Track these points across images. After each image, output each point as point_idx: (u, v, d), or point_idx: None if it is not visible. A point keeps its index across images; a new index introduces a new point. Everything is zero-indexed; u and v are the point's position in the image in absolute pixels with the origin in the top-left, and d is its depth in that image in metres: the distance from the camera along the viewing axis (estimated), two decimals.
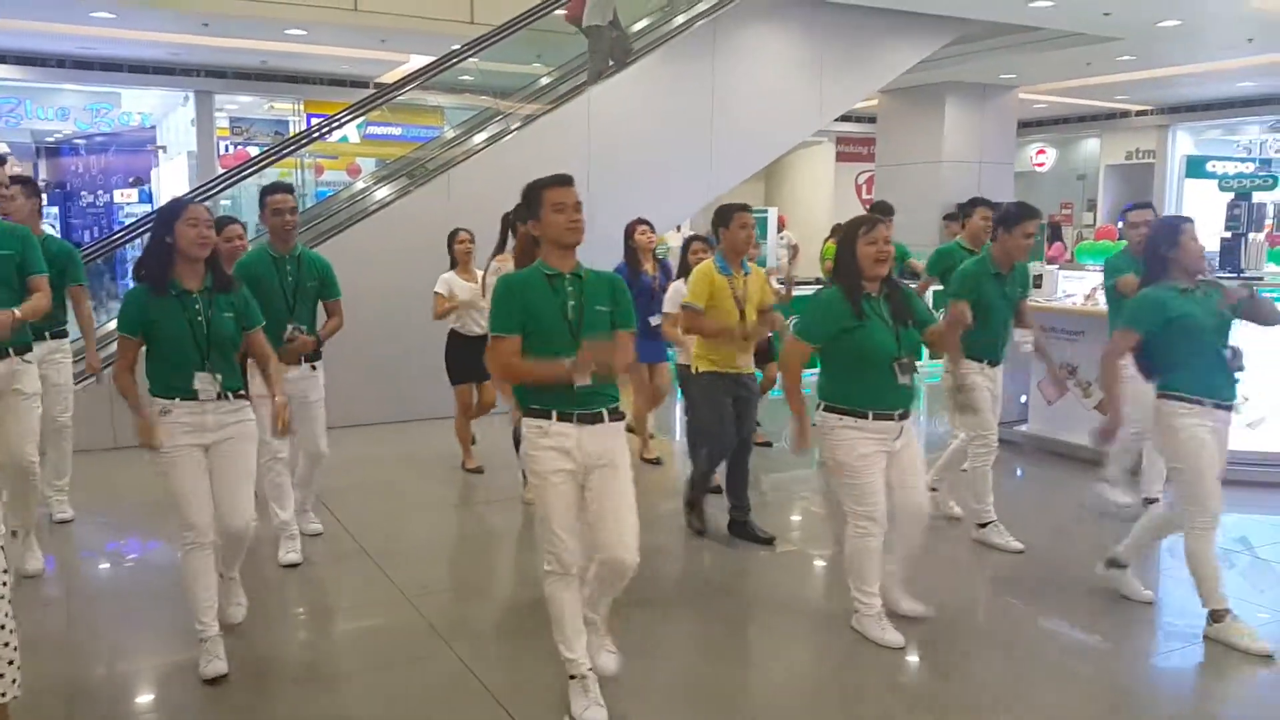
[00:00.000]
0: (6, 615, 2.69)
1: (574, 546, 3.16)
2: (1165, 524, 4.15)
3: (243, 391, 3.61)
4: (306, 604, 4.35)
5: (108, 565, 4.78)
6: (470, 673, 3.55)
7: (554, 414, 3.13)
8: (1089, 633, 4.05)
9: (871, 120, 15.80)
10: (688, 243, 5.97)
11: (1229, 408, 3.88)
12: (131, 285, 3.60)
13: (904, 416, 3.77)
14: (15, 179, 4.82)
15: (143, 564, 4.71)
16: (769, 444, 6.59)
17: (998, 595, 4.54)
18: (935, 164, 13.63)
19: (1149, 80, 14.23)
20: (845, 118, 14.68)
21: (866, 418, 3.69)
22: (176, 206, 3.52)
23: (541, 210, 3.23)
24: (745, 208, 4.92)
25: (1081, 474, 6.28)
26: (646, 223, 6.27)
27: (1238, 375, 3.91)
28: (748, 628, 4.12)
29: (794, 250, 11.33)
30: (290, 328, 4.43)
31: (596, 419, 3.16)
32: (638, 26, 9.45)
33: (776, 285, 5.58)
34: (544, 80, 9.27)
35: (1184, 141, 17.56)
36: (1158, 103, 16.99)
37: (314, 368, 4.67)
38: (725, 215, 4.88)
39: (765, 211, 11.90)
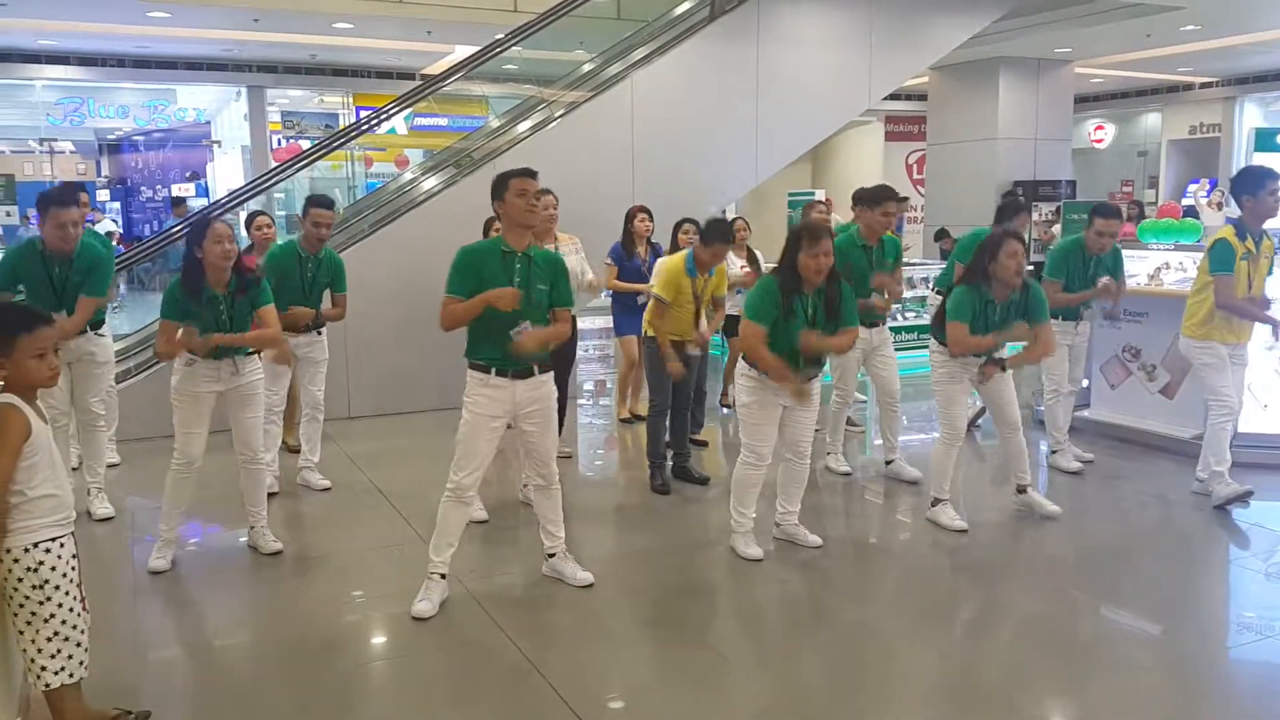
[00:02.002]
0: (77, 599, 2.77)
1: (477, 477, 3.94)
2: None
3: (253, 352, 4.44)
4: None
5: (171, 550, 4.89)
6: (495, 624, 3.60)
7: (493, 369, 3.85)
8: (1154, 623, 3.95)
9: (922, 98, 15.51)
10: (679, 225, 6.63)
11: None
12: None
13: (808, 378, 4.31)
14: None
15: (203, 549, 4.82)
16: (704, 443, 6.63)
17: (1064, 586, 4.44)
18: (990, 141, 13.34)
19: (1214, 50, 13.73)
20: (894, 96, 14.44)
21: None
22: (202, 226, 4.21)
23: (506, 194, 3.87)
24: (728, 238, 5.51)
25: (1147, 459, 6.17)
26: (646, 211, 6.75)
27: None
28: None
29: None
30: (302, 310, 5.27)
31: (528, 374, 3.89)
32: (680, 10, 9.37)
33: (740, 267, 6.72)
34: (586, 67, 9.24)
35: (1252, 113, 16.97)
36: (1223, 74, 16.42)
37: (319, 333, 5.50)
38: (708, 236, 5.41)
39: (812, 194, 11.76)
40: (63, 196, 4.78)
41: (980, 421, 6.83)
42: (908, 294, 9.59)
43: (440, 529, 3.97)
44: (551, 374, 4.04)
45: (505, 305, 3.73)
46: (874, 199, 5.61)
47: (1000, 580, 4.40)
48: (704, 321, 5.66)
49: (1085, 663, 3.55)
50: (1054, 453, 5.93)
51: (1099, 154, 19.07)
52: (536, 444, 4.05)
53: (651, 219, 6.74)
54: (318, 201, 5.33)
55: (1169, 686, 3.45)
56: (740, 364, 4.41)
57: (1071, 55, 13.42)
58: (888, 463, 5.81)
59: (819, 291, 4.26)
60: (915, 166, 18.04)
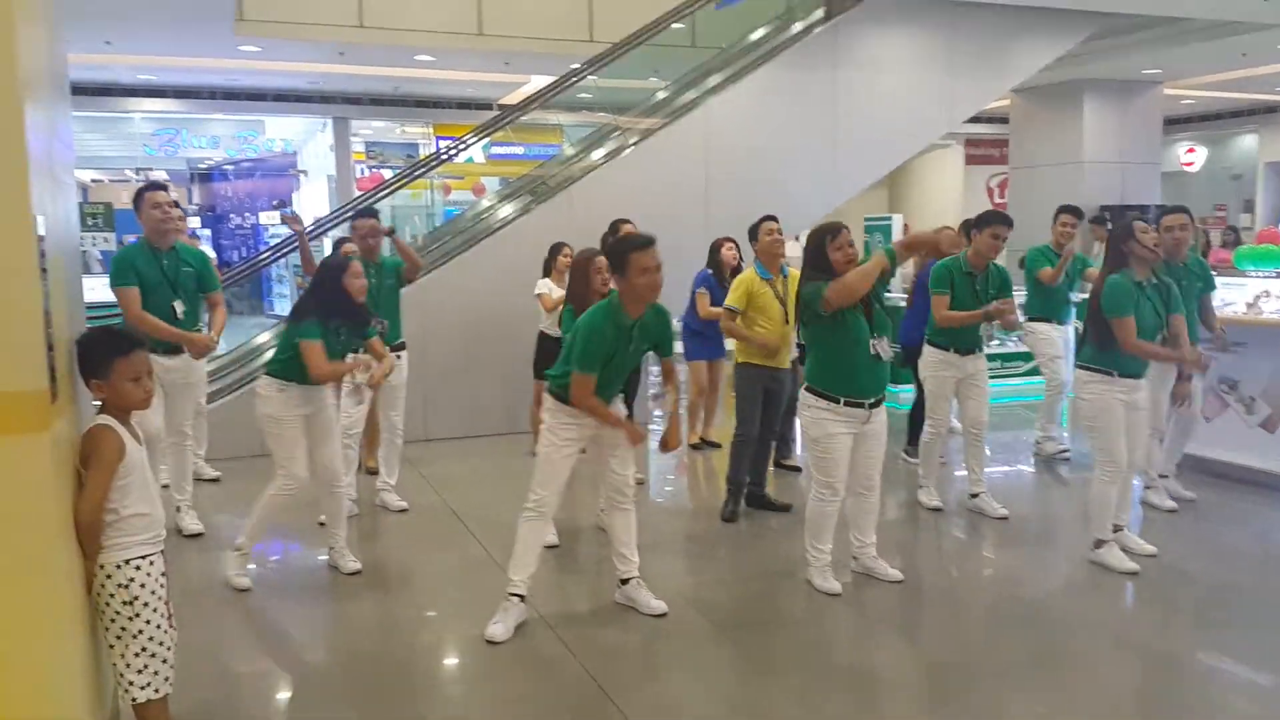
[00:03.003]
0: (165, 616, 2.85)
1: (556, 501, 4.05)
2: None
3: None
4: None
5: (252, 565, 5.01)
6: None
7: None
8: (1261, 671, 3.74)
9: (1003, 121, 15.21)
10: (719, 243, 6.72)
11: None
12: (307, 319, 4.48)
13: (874, 405, 4.24)
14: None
15: (284, 567, 4.92)
16: (798, 469, 6.50)
17: (1158, 632, 4.25)
18: (1075, 165, 12.99)
19: None
20: (975, 119, 14.15)
21: (839, 403, 4.18)
22: (344, 263, 4.52)
23: (629, 271, 3.85)
24: (770, 218, 5.53)
25: (1244, 496, 5.89)
26: (733, 240, 6.74)
27: None
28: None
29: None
30: (375, 322, 5.22)
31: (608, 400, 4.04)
32: (754, 37, 9.38)
33: None
34: (661, 95, 9.30)
35: None
36: None
37: (399, 356, 5.52)
38: (754, 229, 5.57)
39: (889, 219, 11.61)
40: (151, 184, 5.18)
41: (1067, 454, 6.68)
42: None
43: (520, 547, 4.01)
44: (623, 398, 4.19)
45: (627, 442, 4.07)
46: (982, 221, 5.53)
47: (1089, 624, 4.19)
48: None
49: (1189, 713, 3.40)
50: (1147, 488, 5.68)
51: (1190, 177, 18.43)
52: (616, 464, 4.10)
53: (738, 247, 6.69)
54: (360, 212, 5.75)
55: None
56: (805, 398, 4.31)
57: (1161, 76, 13.02)
58: (973, 495, 5.63)
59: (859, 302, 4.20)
60: (997, 190, 17.70)
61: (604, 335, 3.87)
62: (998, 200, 17.38)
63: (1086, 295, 5.42)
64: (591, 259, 4.76)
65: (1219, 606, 4.35)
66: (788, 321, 5.38)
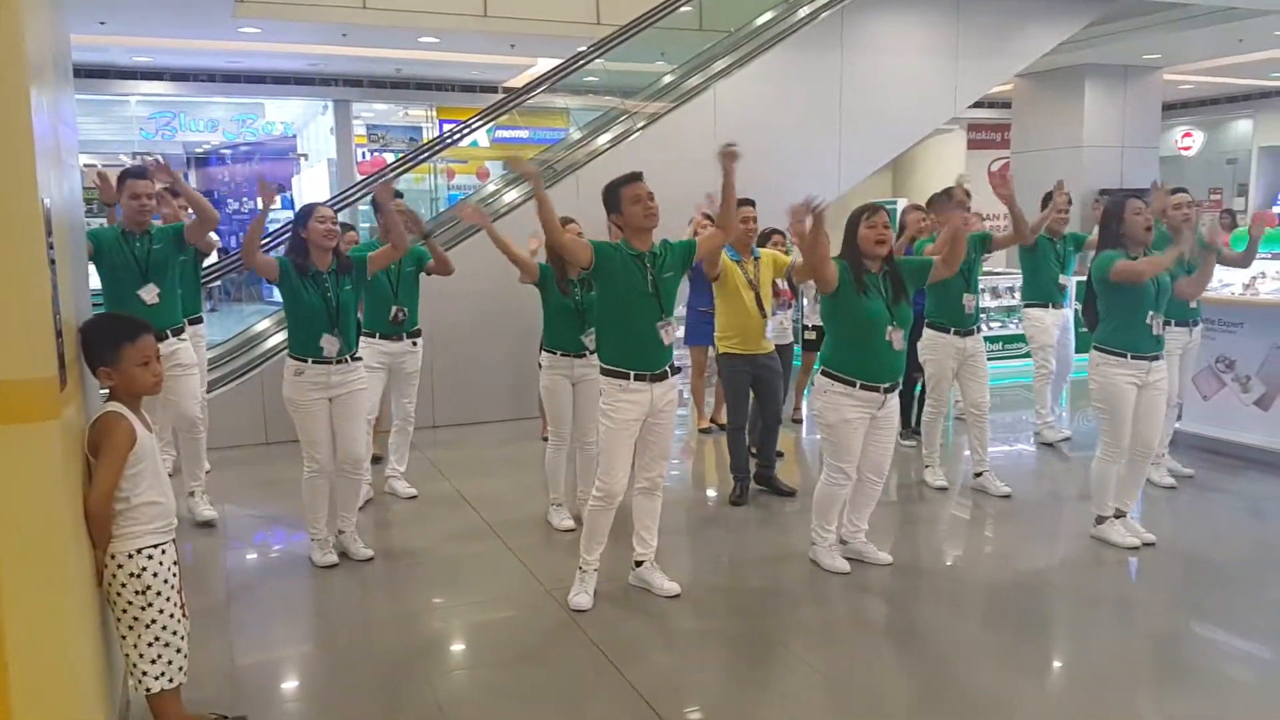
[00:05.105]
0: (177, 605, 2.83)
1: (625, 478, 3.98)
2: None
3: (358, 355, 4.57)
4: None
5: (255, 556, 5.01)
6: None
7: (631, 374, 3.90)
8: (1259, 644, 3.81)
9: (1005, 106, 15.20)
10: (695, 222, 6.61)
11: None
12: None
13: (889, 390, 4.25)
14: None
15: (294, 555, 4.91)
16: (780, 453, 6.44)
17: (1158, 607, 4.30)
18: (1076, 149, 13.03)
19: None
20: (977, 104, 14.11)
21: (854, 386, 4.19)
22: (309, 208, 4.46)
23: (622, 204, 3.92)
24: (747, 201, 5.39)
25: (1241, 473, 5.97)
26: (709, 217, 6.52)
27: None
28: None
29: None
30: (395, 309, 5.41)
31: (664, 376, 3.98)
32: (761, 20, 9.31)
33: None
34: (668, 78, 9.24)
35: None
36: None
37: (415, 344, 5.57)
38: None
39: (894, 203, 11.55)
40: (139, 169, 5.02)
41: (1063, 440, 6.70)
42: (993, 303, 9.36)
43: (589, 532, 4.08)
44: (679, 376, 4.15)
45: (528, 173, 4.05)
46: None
47: (1087, 600, 4.28)
48: (771, 324, 5.55)
49: (1187, 685, 3.48)
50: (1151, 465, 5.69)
51: (1187, 161, 18.47)
52: (659, 444, 4.09)
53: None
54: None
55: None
56: (821, 382, 4.33)
57: (1160, 61, 13.05)
58: (976, 474, 5.68)
59: (884, 273, 4.27)
60: (998, 175, 17.67)
61: (606, 249, 3.92)
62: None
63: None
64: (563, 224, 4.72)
65: (1216, 581, 4.42)
66: (759, 304, 5.38)
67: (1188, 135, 18.65)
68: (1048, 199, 6.41)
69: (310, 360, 4.38)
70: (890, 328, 4.20)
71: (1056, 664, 3.68)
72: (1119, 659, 3.66)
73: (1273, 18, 10.41)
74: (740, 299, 5.35)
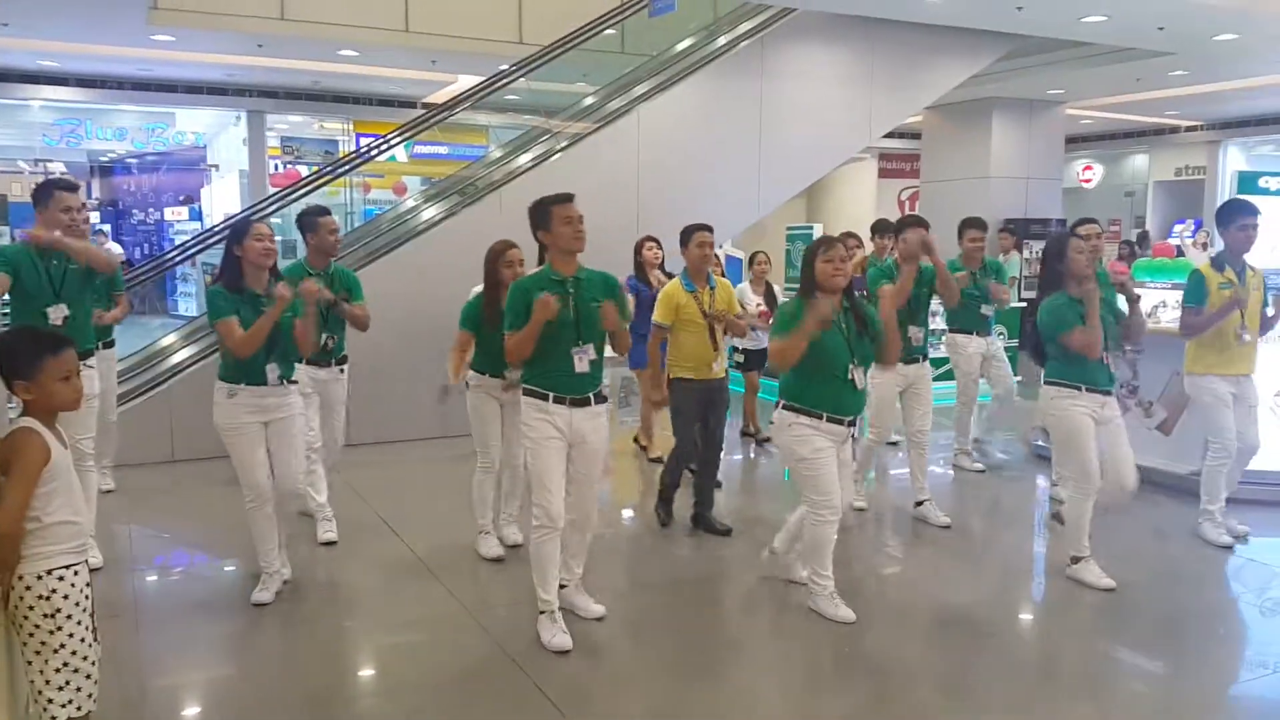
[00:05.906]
0: (89, 629, 2.73)
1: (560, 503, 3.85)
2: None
3: (294, 379, 4.34)
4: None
5: (155, 578, 4.85)
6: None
7: (550, 396, 3.83)
8: (1155, 659, 3.98)
9: (915, 136, 15.69)
10: (640, 243, 6.73)
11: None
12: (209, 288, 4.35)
13: (851, 424, 4.15)
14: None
15: (189, 576, 4.76)
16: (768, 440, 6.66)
17: (1060, 625, 4.45)
18: (983, 180, 13.49)
19: (1200, 95, 13.98)
20: (888, 134, 14.57)
21: (821, 419, 4.05)
22: (245, 224, 4.24)
23: (552, 223, 3.87)
24: (704, 228, 5.39)
25: (1143, 495, 6.13)
26: (655, 240, 6.82)
27: None
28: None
29: None
30: (324, 336, 4.99)
31: (585, 402, 3.88)
32: (682, 46, 9.47)
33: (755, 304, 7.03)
34: (590, 100, 9.32)
35: (1235, 157, 17.23)
36: (1208, 118, 16.71)
37: (341, 370, 5.32)
38: (686, 235, 5.46)
39: (810, 228, 11.85)
40: (67, 181, 4.79)
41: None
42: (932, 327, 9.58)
43: (540, 569, 3.91)
44: (605, 405, 4.01)
45: (549, 313, 3.75)
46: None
47: (986, 621, 4.42)
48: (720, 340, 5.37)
49: (1085, 698, 3.59)
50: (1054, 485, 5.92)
51: (1087, 193, 19.30)
52: (586, 474, 3.98)
53: (660, 247, 6.73)
54: (320, 210, 5.22)
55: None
56: (784, 417, 4.16)
57: (1064, 97, 13.63)
58: (917, 504, 5.69)
59: (845, 309, 4.15)
60: (908, 203, 18.21)
61: (526, 290, 3.85)
62: (909, 213, 17.85)
63: (1006, 306, 5.78)
64: (503, 251, 4.74)
65: (1119, 601, 4.55)
66: (714, 335, 5.28)
67: (1088, 168, 19.51)
68: (963, 229, 6.57)
69: (244, 383, 4.18)
70: (851, 366, 4.08)
71: (975, 682, 3.76)
72: (1016, 675, 3.80)
73: (1167, 59, 10.99)
74: (697, 330, 5.24)
